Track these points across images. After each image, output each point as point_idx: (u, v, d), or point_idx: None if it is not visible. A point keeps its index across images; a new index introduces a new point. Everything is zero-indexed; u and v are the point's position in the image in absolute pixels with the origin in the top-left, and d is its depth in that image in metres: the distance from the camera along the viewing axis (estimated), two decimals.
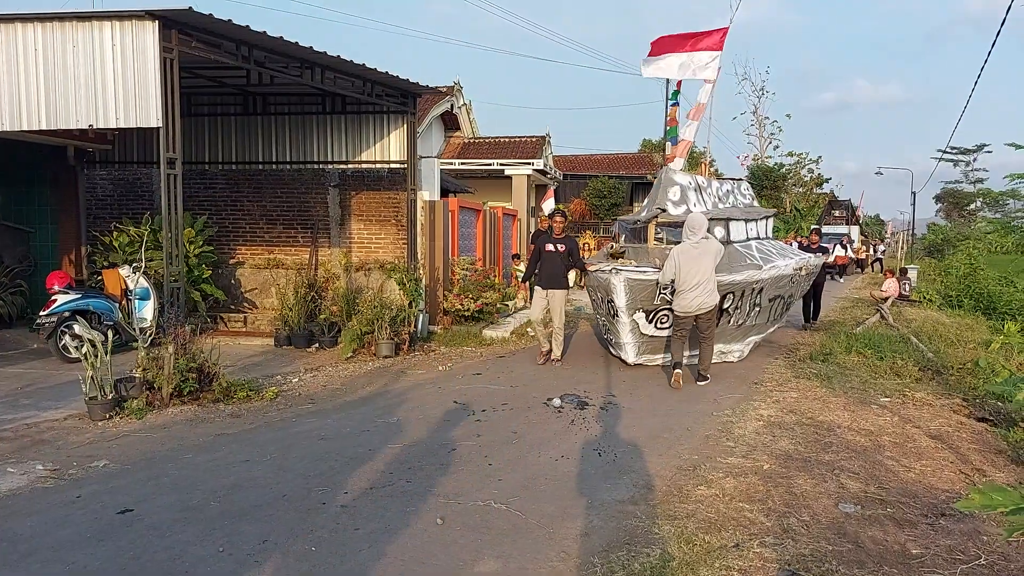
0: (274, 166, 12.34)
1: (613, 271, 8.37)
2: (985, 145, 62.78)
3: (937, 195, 68.53)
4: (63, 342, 8.87)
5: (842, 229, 36.53)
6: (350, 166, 12.13)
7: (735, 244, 9.28)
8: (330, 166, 12.18)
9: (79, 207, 12.38)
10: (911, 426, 6.30)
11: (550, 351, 9.41)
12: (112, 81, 7.67)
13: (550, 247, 9.29)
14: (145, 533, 3.98)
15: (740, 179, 12.05)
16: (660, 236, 9.23)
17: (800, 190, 43.70)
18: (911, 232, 49.49)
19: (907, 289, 19.60)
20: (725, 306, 8.66)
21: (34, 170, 11.93)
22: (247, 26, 7.91)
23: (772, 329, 10.66)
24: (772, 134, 49.82)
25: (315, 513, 4.29)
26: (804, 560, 3.66)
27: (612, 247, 9.70)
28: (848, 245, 30.74)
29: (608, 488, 4.75)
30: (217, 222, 12.25)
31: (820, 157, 46.88)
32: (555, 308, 9.30)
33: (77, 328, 8.04)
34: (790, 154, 45.78)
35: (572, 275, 10.80)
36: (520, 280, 12.81)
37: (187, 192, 9.94)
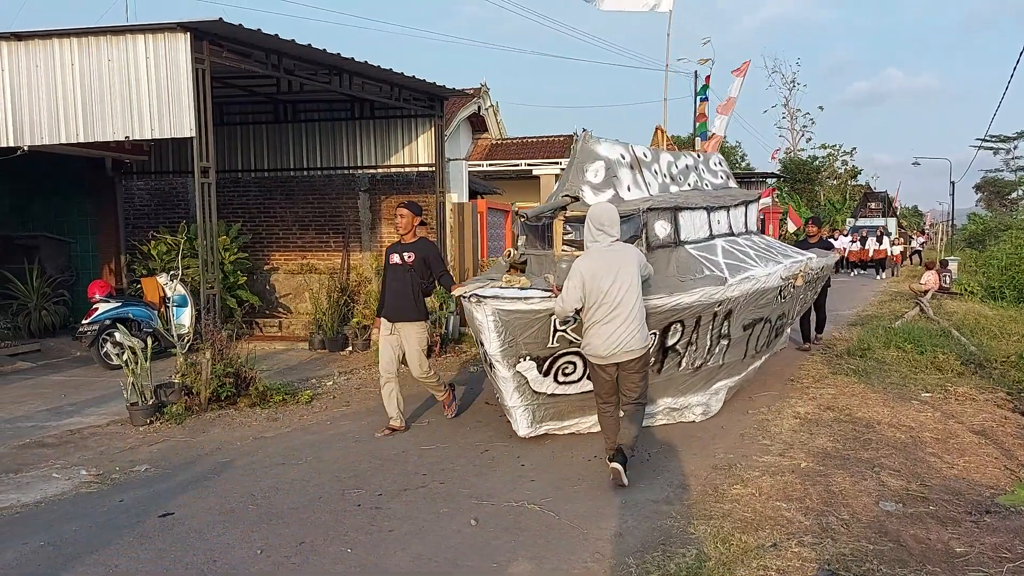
0: (305, 172, 12.48)
1: (474, 299, 5.16)
2: None
3: (977, 184, 66.80)
4: (104, 349, 9.07)
5: (879, 221, 35.71)
6: (379, 170, 12.22)
7: (688, 246, 6.21)
8: (360, 171, 12.28)
9: (118, 217, 12.66)
10: (953, 422, 6.15)
11: (395, 429, 6.14)
12: (146, 93, 7.83)
13: (395, 258, 6.18)
14: (186, 536, 4.06)
15: (713, 153, 8.96)
16: (570, 238, 5.93)
17: (834, 183, 42.98)
18: (951, 223, 48.37)
19: (947, 281, 19.14)
20: (671, 342, 5.76)
21: (73, 182, 12.23)
22: (276, 35, 8.02)
23: (756, 365, 7.52)
24: (804, 127, 49.19)
25: (350, 515, 4.34)
26: (844, 560, 3.60)
27: (510, 253, 6.46)
28: (885, 237, 28.63)
29: (642, 488, 4.72)
30: (251, 229, 12.43)
31: (854, 149, 46.12)
32: (409, 351, 6.11)
33: (118, 336, 8.21)
34: (823, 146, 45.13)
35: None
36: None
37: (221, 200, 10.11)
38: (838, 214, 38.80)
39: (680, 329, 5.77)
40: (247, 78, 10.53)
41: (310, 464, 5.38)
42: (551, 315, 5.15)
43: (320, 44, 8.60)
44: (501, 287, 5.43)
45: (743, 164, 44.20)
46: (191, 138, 7.74)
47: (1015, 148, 60.87)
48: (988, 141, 55.33)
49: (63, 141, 8.14)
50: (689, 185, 7.44)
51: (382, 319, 6.21)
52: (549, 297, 5.12)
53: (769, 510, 4.26)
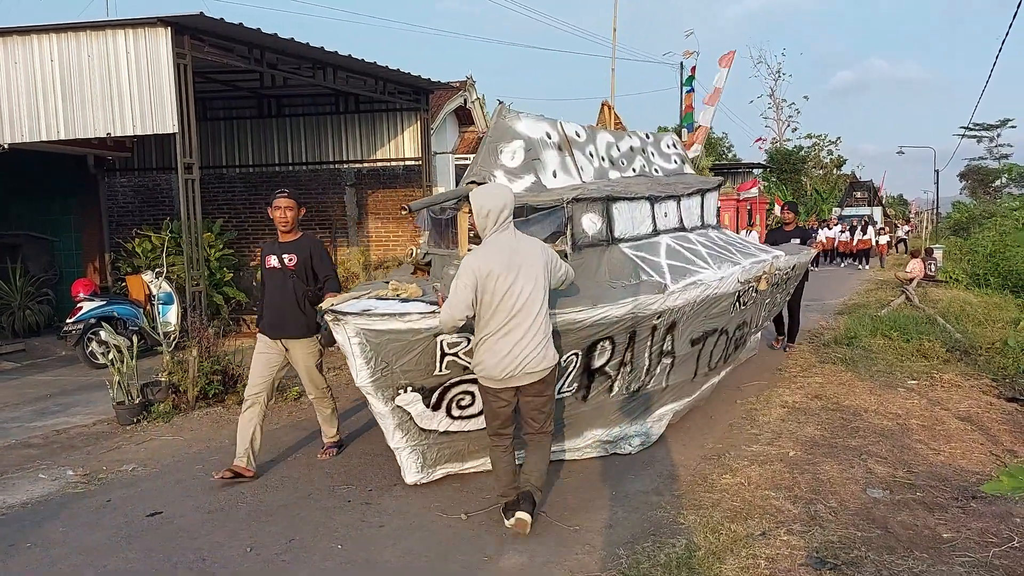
0: (291, 167, 12.41)
1: (332, 316, 4.07)
2: (1009, 120, 61.48)
3: (961, 173, 67.34)
4: (90, 348, 9.00)
5: (865, 211, 35.90)
6: (365, 165, 12.17)
7: (624, 245, 5.21)
8: (346, 166, 12.23)
9: (101, 215, 12.54)
10: (939, 408, 6.20)
11: (237, 473, 4.85)
12: (128, 88, 7.74)
13: (272, 260, 5.06)
14: (175, 535, 4.03)
15: (665, 131, 7.46)
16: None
17: (820, 172, 43.20)
18: (935, 211, 48.76)
19: (932, 269, 19.30)
20: (599, 363, 4.74)
21: (56, 180, 12.10)
22: (258, 29, 7.95)
23: (713, 382, 6.52)
24: (790, 116, 49.35)
25: (340, 511, 4.32)
26: (832, 547, 3.62)
27: (412, 252, 5.79)
28: (869, 226, 27.65)
29: (632, 479, 4.73)
30: (236, 225, 12.36)
31: (839, 138, 46.31)
32: (301, 372, 5.15)
33: (103, 334, 8.14)
34: (808, 136, 45.30)
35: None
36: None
37: (206, 196, 10.03)
38: (824, 204, 39.00)
39: (610, 347, 4.69)
40: (230, 72, 10.44)
41: (299, 460, 5.35)
42: (437, 335, 4.06)
43: (306, 38, 8.54)
44: (383, 298, 4.39)
45: (730, 155, 44.33)
46: (174, 134, 7.67)
47: (998, 136, 61.43)
48: (972, 129, 55.83)
49: (44, 139, 8.04)
50: (634, 170, 6.41)
51: (260, 336, 5.15)
52: (434, 313, 3.95)
53: (758, 499, 4.28)
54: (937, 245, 24.50)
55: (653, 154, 6.95)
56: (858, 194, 44.39)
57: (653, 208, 5.63)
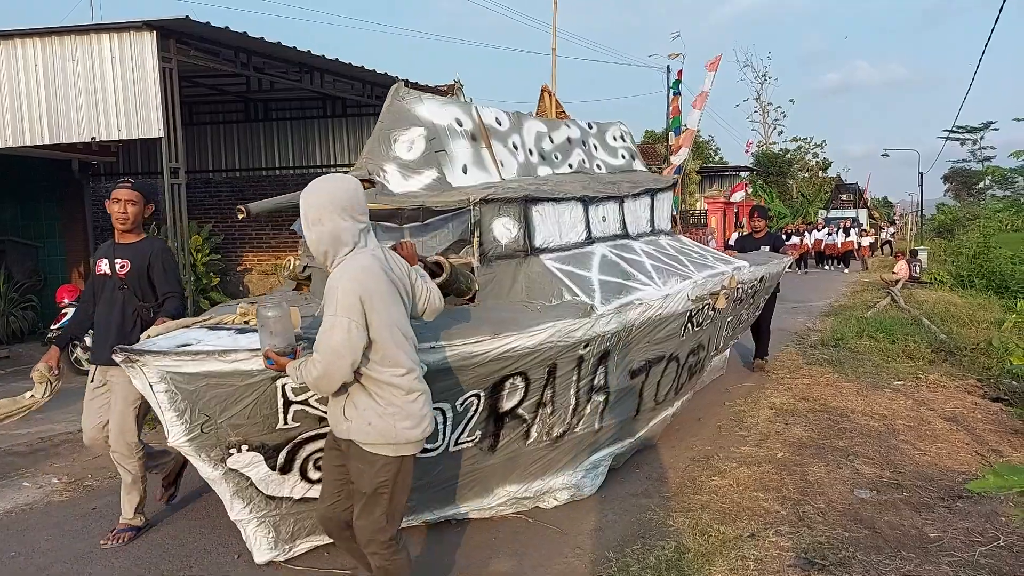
0: (278, 171, 12.36)
1: (122, 355, 3.02)
2: (992, 123, 62.24)
3: (945, 175, 68.00)
4: (75, 355, 8.91)
5: (850, 213, 36.16)
6: (352, 169, 12.15)
7: (547, 256, 4.37)
8: (333, 169, 12.19)
9: (86, 220, 12.42)
10: (925, 409, 6.25)
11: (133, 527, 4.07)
12: (112, 93, 7.69)
13: (103, 265, 4.10)
14: (162, 542, 4.00)
15: (613, 122, 6.39)
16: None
17: (806, 175, 43.50)
18: (920, 213, 49.17)
19: (917, 271, 19.47)
20: (508, 405, 3.86)
21: (40, 185, 11.98)
22: (244, 32, 7.92)
23: (665, 415, 5.56)
24: (776, 120, 49.62)
25: None
26: (821, 548, 3.64)
27: (292, 265, 4.82)
28: (853, 229, 26.55)
29: (621, 481, 4.73)
30: (223, 230, 12.29)
31: (824, 141, 46.54)
32: (113, 411, 3.95)
33: (88, 340, 8.06)
34: (795, 139, 45.57)
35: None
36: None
37: (192, 201, 9.97)
38: (810, 206, 39.26)
39: (523, 385, 3.77)
40: (216, 77, 10.39)
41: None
42: (276, 378, 3.06)
43: (293, 43, 8.51)
44: (222, 326, 3.42)
45: (716, 158, 44.55)
46: (160, 138, 7.62)
47: (981, 139, 62.07)
48: (956, 132, 56.37)
49: (28, 143, 7.97)
50: (571, 166, 5.48)
51: (91, 364, 4.14)
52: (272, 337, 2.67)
53: (747, 501, 4.29)
54: (922, 247, 24.72)
55: (596, 147, 5.95)
56: (844, 196, 44.72)
57: (587, 211, 4.78)
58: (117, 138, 7.90)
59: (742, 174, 38.21)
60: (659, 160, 30.86)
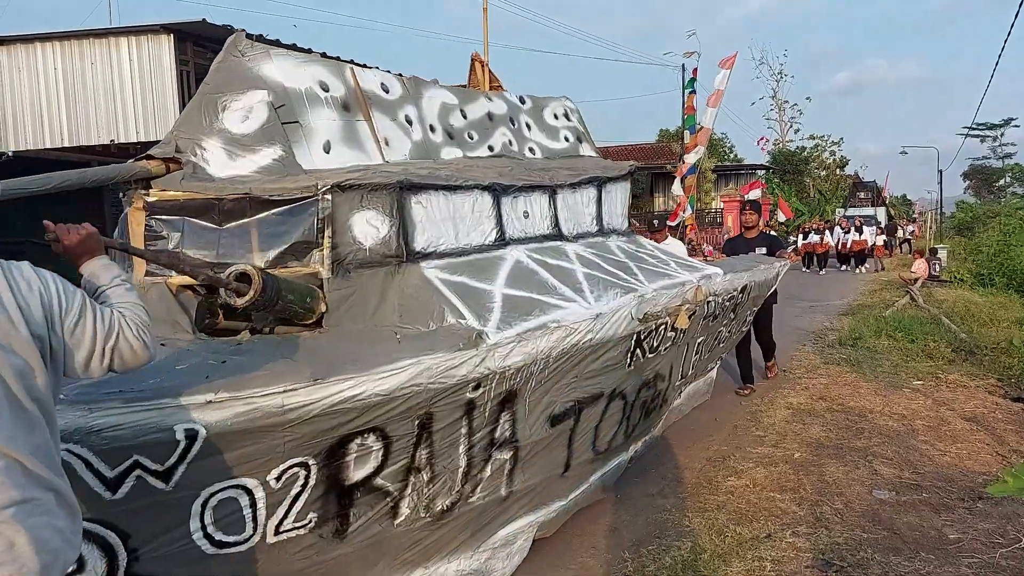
0: None
1: None
2: (1012, 119, 61.40)
3: (965, 172, 67.24)
4: None
5: (868, 211, 35.82)
6: (157, 146, 12.20)
7: (431, 263, 3.34)
8: None
9: (105, 222, 12.59)
10: (945, 409, 6.18)
11: None
12: (131, 95, 7.78)
13: None
14: None
15: (555, 97, 5.41)
16: (164, 243, 3.15)
17: (823, 173, 43.19)
18: (939, 211, 48.66)
19: (937, 269, 19.26)
20: (360, 474, 2.72)
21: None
22: (260, 35, 7.98)
23: (611, 468, 4.45)
24: (792, 118, 49.30)
25: None
26: (839, 549, 3.61)
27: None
28: (865, 227, 24.48)
29: (636, 482, 4.72)
30: None
31: (842, 139, 46.22)
32: None
33: None
34: (811, 137, 45.26)
35: None
36: None
37: None
38: (828, 205, 38.97)
39: (379, 446, 2.70)
40: None
41: None
42: None
43: (310, 44, 8.57)
44: None
45: (731, 156, 44.33)
46: None
47: (1002, 135, 61.33)
48: (975, 129, 55.71)
49: (47, 146, 8.09)
50: (491, 148, 4.50)
51: None
52: None
53: (764, 501, 4.27)
54: (941, 245, 24.43)
55: (528, 126, 4.93)
56: (862, 195, 44.29)
57: (499, 204, 3.74)
58: (135, 140, 8.00)
59: (758, 172, 38.01)
60: (674, 159, 30.78)
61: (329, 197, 3.02)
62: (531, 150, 4.89)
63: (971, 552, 3.56)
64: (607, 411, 3.97)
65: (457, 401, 2.86)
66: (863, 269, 23.43)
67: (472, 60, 5.61)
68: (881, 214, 36.77)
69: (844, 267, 24.02)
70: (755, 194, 29.16)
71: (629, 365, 3.98)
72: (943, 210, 50.19)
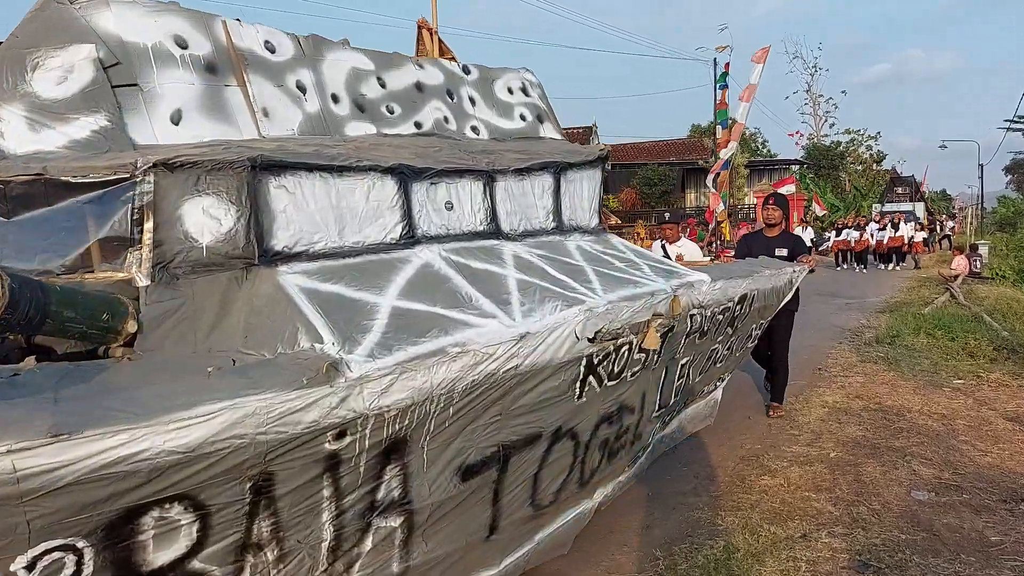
0: None
1: None
2: None
3: (1007, 166, 65.47)
4: None
5: (906, 206, 35.10)
6: None
7: (293, 267, 2.53)
8: None
9: None
10: (987, 408, 6.04)
11: None
12: None
13: None
14: None
15: (512, 68, 4.52)
16: None
17: (859, 168, 42.44)
18: (980, 206, 47.52)
19: (978, 266, 18.82)
20: (168, 555, 1.91)
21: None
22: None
23: (558, 529, 3.50)
24: (827, 112, 48.52)
25: None
26: (876, 550, 3.55)
27: None
28: (901, 223, 23.27)
29: (669, 480, 4.69)
30: None
31: (879, 133, 45.31)
32: None
33: None
34: (847, 131, 44.49)
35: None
36: None
37: None
38: (864, 200, 38.29)
39: (191, 519, 1.96)
40: None
41: None
42: None
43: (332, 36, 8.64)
44: None
45: (764, 151, 43.76)
46: None
47: None
48: (1017, 122, 54.17)
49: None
50: (418, 125, 3.68)
51: None
52: None
53: (798, 501, 4.21)
54: (982, 241, 23.82)
55: (473, 100, 4.07)
56: (899, 190, 43.46)
57: (407, 192, 3.01)
58: None
59: (792, 167, 37.49)
60: (706, 154, 30.50)
61: (151, 179, 2.31)
62: (475, 129, 3.98)
63: (1013, 555, 3.47)
64: (550, 455, 3.17)
65: (311, 455, 2.10)
66: (899, 267, 22.70)
67: (419, 27, 4.81)
68: (919, 209, 36.03)
69: (880, 265, 23.28)
70: (788, 189, 28.70)
71: (579, 397, 3.17)
72: (984, 205, 48.99)
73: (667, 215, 6.95)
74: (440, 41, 4.75)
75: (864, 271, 22.01)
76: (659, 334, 3.49)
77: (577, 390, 3.14)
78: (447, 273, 2.96)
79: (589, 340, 3.04)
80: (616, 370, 3.37)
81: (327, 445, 2.14)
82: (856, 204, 37.30)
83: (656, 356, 3.69)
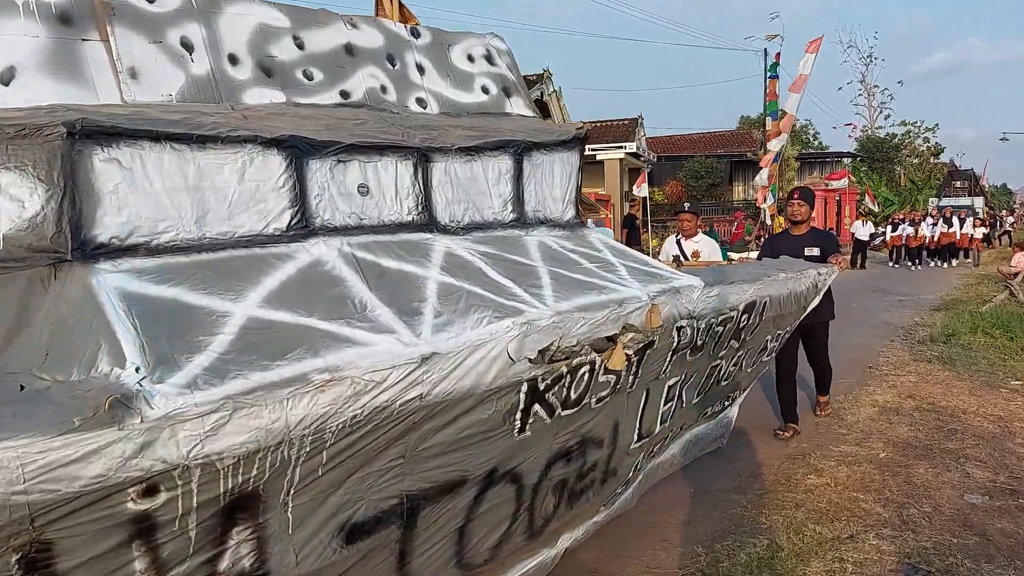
0: None
1: None
2: None
3: None
4: None
5: (965, 201, 33.94)
6: None
7: (116, 268, 1.96)
8: None
9: None
10: None
11: None
12: None
13: None
14: None
15: (476, 34, 3.76)
16: None
17: (915, 161, 41.19)
18: None
19: None
20: None
21: None
22: None
23: None
24: (882, 103, 47.15)
25: None
26: (926, 553, 3.46)
27: None
28: (954, 218, 22.07)
29: (712, 477, 4.64)
30: None
31: (936, 125, 43.82)
32: None
33: None
34: (903, 123, 43.18)
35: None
36: None
37: None
38: (920, 194, 37.17)
39: None
40: None
41: None
42: None
43: None
44: None
45: (815, 143, 42.76)
46: None
47: None
48: None
49: None
50: (344, 95, 3.03)
51: None
52: None
53: (846, 501, 4.13)
54: None
55: (421, 68, 3.38)
56: (958, 184, 42.05)
57: (300, 171, 2.46)
58: None
59: (845, 160, 36.57)
60: (755, 146, 29.94)
61: None
62: (421, 102, 3.30)
63: None
64: (481, 504, 2.60)
65: (109, 518, 1.61)
66: (953, 264, 21.75)
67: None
68: (978, 204, 34.80)
69: (932, 262, 22.29)
70: (840, 184, 27.99)
71: (521, 431, 2.57)
72: None
73: (686, 204, 6.46)
74: (401, 5, 3.96)
75: (918, 268, 21.35)
76: (630, 351, 2.88)
77: (517, 423, 2.55)
78: (342, 274, 2.35)
79: (531, 361, 2.44)
80: (574, 396, 2.75)
81: (132, 505, 1.63)
82: (911, 198, 36.24)
83: (633, 377, 3.07)
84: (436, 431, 2.24)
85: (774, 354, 5.06)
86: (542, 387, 2.56)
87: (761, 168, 19.75)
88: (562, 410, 2.73)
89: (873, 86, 47.55)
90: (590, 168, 23.40)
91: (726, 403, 4.77)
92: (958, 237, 22.13)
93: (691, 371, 3.71)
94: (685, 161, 31.91)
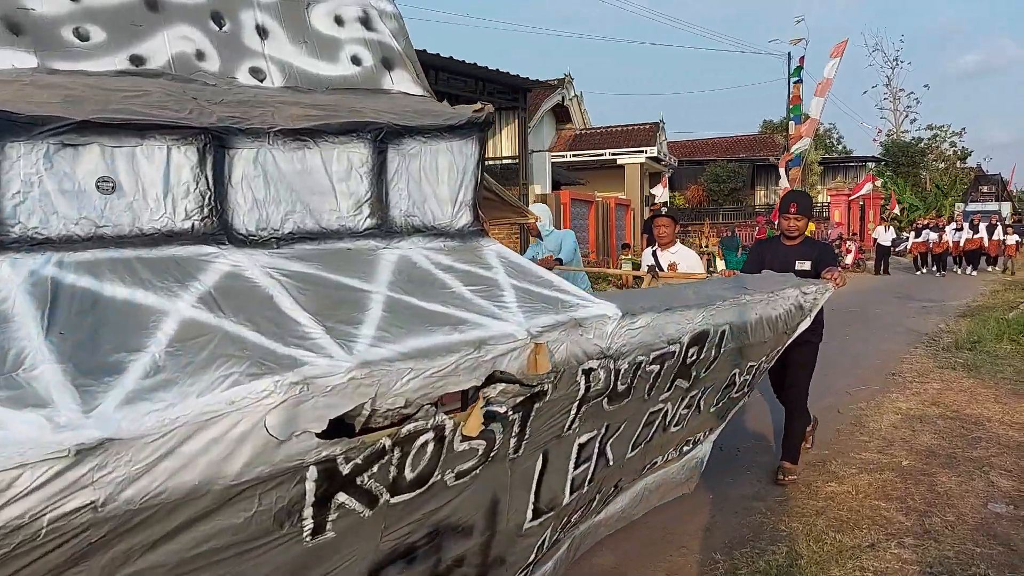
0: None
1: None
2: None
3: None
4: None
5: (991, 206, 33.41)
6: None
7: None
8: None
9: None
10: None
11: None
12: None
13: None
14: None
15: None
16: None
17: (942, 165, 40.65)
18: None
19: None
20: None
21: None
22: None
23: None
24: (908, 107, 46.62)
25: None
26: (948, 563, 3.42)
27: None
28: (980, 224, 21.58)
29: (731, 483, 4.61)
30: None
31: (963, 129, 43.27)
32: None
33: None
34: (929, 127, 42.67)
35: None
36: None
37: None
38: (946, 199, 36.66)
39: None
40: None
41: None
42: None
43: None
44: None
45: (839, 147, 42.35)
46: None
47: None
48: None
49: None
50: (137, 61, 2.30)
51: None
52: None
53: (867, 509, 4.08)
54: None
55: (264, 31, 2.65)
56: (985, 188, 41.42)
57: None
58: None
59: (869, 165, 36.18)
60: (777, 150, 29.72)
61: None
62: (257, 73, 2.56)
63: None
64: None
65: None
66: (975, 272, 21.25)
67: None
68: (1005, 209, 34.23)
69: (956, 269, 21.89)
70: (866, 189, 27.69)
71: (317, 533, 1.81)
72: None
73: (663, 209, 5.98)
74: None
75: (943, 275, 21.00)
76: (494, 408, 2.11)
77: (308, 523, 1.77)
78: (13, 309, 1.58)
79: (319, 436, 1.67)
80: (412, 476, 1.98)
81: None
82: (937, 203, 35.76)
83: (517, 440, 2.30)
84: (145, 550, 1.48)
85: (752, 388, 4.32)
86: (347, 470, 1.78)
87: (779, 168, 19.61)
88: (392, 496, 1.96)
89: (899, 90, 47.06)
90: (610, 172, 23.33)
91: (685, 447, 3.99)
92: (986, 244, 21.78)
93: (616, 422, 2.87)
94: (707, 166, 31.78)
